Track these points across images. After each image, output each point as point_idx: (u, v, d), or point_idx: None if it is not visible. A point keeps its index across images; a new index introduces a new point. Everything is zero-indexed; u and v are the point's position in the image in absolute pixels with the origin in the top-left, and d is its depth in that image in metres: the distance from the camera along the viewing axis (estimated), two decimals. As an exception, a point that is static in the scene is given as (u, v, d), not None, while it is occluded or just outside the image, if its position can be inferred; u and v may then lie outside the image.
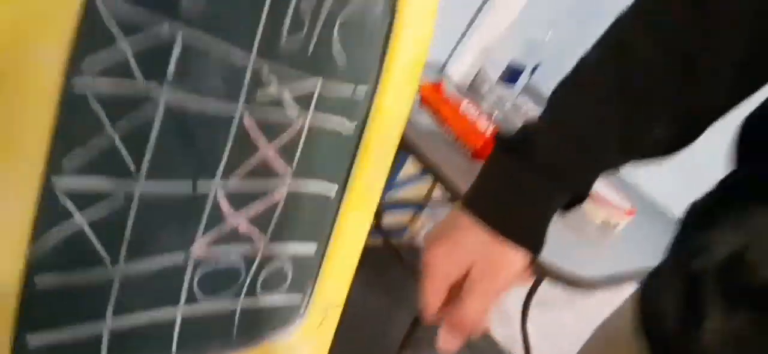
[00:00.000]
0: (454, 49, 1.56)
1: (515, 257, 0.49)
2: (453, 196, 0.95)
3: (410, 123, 1.09)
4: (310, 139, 0.57)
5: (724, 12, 0.46)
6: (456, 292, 0.50)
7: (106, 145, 0.42)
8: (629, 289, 0.62)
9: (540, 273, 0.96)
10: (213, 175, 0.51)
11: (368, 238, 0.69)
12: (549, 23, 1.32)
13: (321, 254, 0.65)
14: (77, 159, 0.41)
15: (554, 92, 0.53)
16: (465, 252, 0.49)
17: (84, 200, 0.42)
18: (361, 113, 0.60)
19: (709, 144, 0.59)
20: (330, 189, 0.62)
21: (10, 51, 0.35)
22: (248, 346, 0.62)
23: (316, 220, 0.63)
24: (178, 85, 0.44)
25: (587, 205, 1.10)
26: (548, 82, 1.63)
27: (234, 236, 0.55)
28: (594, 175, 0.52)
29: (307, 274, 0.65)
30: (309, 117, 0.56)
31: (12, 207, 0.40)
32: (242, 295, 0.59)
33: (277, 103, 0.52)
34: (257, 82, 0.50)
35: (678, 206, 0.60)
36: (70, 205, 0.42)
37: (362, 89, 0.59)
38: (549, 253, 0.56)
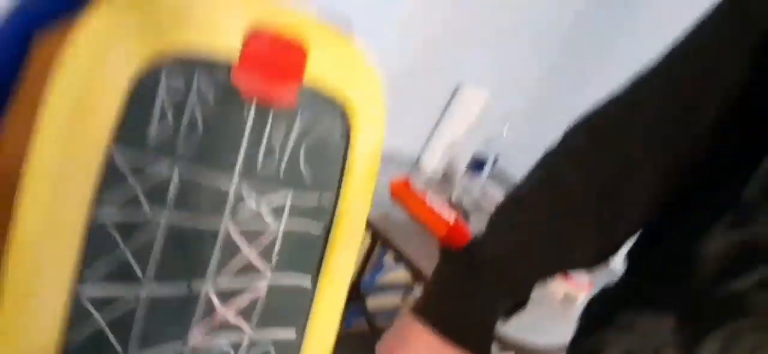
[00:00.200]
0: (426, 144, 1.71)
1: None
2: (419, 279, 1.05)
3: (383, 215, 1.22)
4: (285, 240, 0.69)
5: (636, 152, 0.55)
6: None
7: (119, 258, 0.54)
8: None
9: (506, 347, 1.05)
10: (204, 277, 0.62)
11: (355, 322, 0.79)
12: (505, 119, 1.48)
13: (300, 337, 0.75)
14: (98, 271, 0.53)
15: (494, 214, 0.63)
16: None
17: (102, 303, 0.54)
18: (327, 216, 0.72)
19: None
20: (305, 281, 0.73)
21: (53, 195, 0.47)
22: (239, 424, 0.71)
23: (295, 309, 0.74)
24: (175, 208, 0.56)
25: (551, 282, 1.21)
26: (509, 169, 1.77)
27: (224, 326, 0.66)
28: (530, 287, 0.61)
29: (288, 356, 0.75)
30: (283, 223, 0.68)
31: (47, 310, 0.51)
32: (232, 378, 0.69)
33: (256, 214, 0.65)
34: (239, 199, 0.62)
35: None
36: (91, 308, 0.53)
37: (327, 197, 0.71)
38: (516, 328, 0.65)
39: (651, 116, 0.55)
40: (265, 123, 0.62)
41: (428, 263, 1.12)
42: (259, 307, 0.69)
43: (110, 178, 0.50)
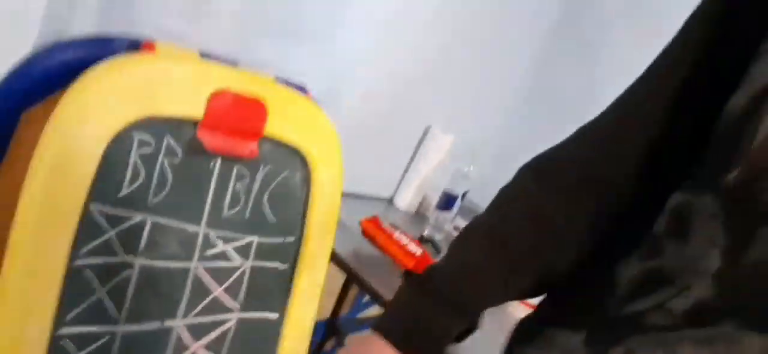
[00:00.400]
0: (400, 184, 1.78)
1: None
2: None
3: (353, 253, 1.28)
4: (251, 280, 0.75)
5: (573, 192, 0.62)
6: None
7: (96, 301, 0.60)
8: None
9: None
10: (176, 315, 0.68)
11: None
12: (472, 157, 1.56)
13: (268, 371, 0.81)
14: (76, 312, 0.59)
15: (452, 244, 0.70)
16: None
17: (81, 342, 0.60)
18: (291, 257, 0.79)
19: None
20: (272, 316, 0.79)
21: (34, 245, 0.53)
22: None
23: (262, 343, 0.80)
24: (148, 253, 0.63)
25: (513, 306, 1.27)
26: (478, 202, 1.85)
27: (195, 361, 0.72)
28: (478, 313, 0.67)
29: (257, 388, 0.80)
30: (249, 264, 0.74)
31: (30, 349, 0.57)
32: (204, 410, 0.75)
33: (223, 257, 0.71)
34: (207, 244, 0.69)
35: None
36: (71, 347, 0.59)
37: (290, 239, 0.78)
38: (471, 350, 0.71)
39: (585, 161, 0.63)
40: (230, 174, 0.69)
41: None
42: (228, 341, 0.75)
43: (87, 229, 0.56)
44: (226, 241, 0.71)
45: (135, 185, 0.59)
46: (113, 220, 0.59)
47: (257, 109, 0.68)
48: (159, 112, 0.59)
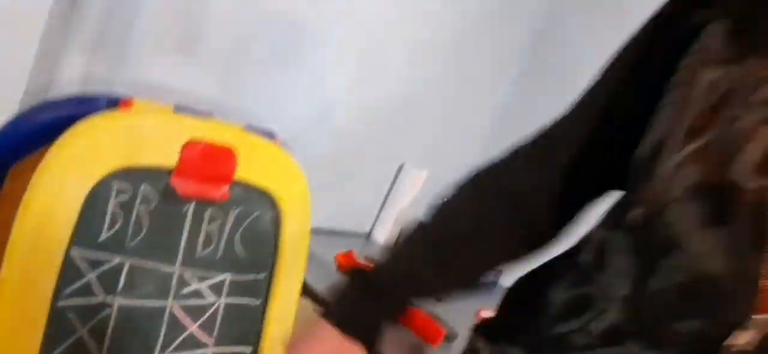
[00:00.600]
0: (376, 219, 1.84)
1: (358, 350, 0.69)
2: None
3: (331, 287, 1.33)
4: (225, 315, 0.80)
5: (499, 208, 0.68)
6: None
7: (78, 339, 0.65)
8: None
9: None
10: (153, 352, 0.73)
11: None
12: (444, 190, 1.62)
13: (244, 403, 0.85)
14: (60, 351, 0.63)
15: (394, 244, 0.76)
16: (322, 347, 0.70)
17: (63, 378, 0.64)
18: (263, 293, 0.84)
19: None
20: (246, 350, 0.84)
21: (21, 288, 0.58)
22: None
23: (237, 376, 0.84)
24: (126, 293, 0.68)
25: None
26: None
27: (172, 394, 0.76)
28: (404, 302, 0.74)
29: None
30: (223, 301, 0.79)
31: (16, 388, 0.61)
32: None
33: (198, 294, 0.76)
34: (182, 283, 0.74)
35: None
36: (54, 383, 0.63)
37: (262, 275, 0.83)
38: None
39: (513, 176, 0.70)
40: (203, 216, 0.74)
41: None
42: (204, 375, 0.79)
43: (69, 272, 0.61)
44: (200, 279, 0.76)
45: (113, 230, 0.65)
46: (93, 264, 0.64)
47: (227, 157, 0.74)
48: (136, 163, 0.65)
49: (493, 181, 0.71)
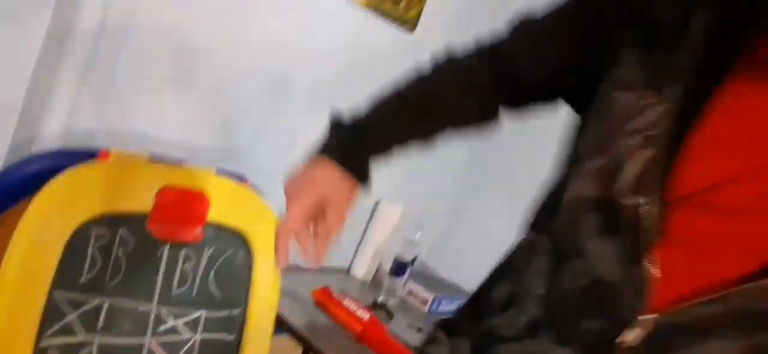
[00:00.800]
0: (355, 254, 1.89)
1: (351, 184, 0.77)
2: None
3: (308, 323, 1.37)
4: (201, 351, 0.84)
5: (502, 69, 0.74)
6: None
7: (60, 376, 0.69)
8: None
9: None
10: (133, 386, 0.77)
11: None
12: (419, 225, 1.69)
13: None
14: (42, 388, 0.68)
15: (375, 99, 0.84)
16: (321, 178, 0.76)
17: (46, 414, 0.68)
18: (237, 328, 0.88)
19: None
20: (222, 384, 0.88)
21: (7, 329, 0.63)
22: None
23: (215, 409, 0.88)
24: (105, 332, 0.72)
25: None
26: (429, 263, 1.96)
27: (151, 428, 0.80)
28: (389, 143, 0.81)
29: None
30: (198, 337, 0.84)
31: (1, 425, 0.65)
32: None
33: (174, 331, 0.81)
34: (158, 320, 0.78)
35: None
36: (37, 419, 0.67)
37: (236, 311, 0.88)
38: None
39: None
40: (178, 257, 0.80)
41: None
42: (182, 409, 0.83)
43: (51, 313, 0.66)
44: (176, 316, 0.80)
45: (93, 272, 0.70)
46: (74, 304, 0.69)
47: (199, 200, 0.80)
48: (113, 209, 0.71)
49: (462, 62, 0.78)
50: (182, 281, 0.81)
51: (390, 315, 1.65)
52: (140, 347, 0.77)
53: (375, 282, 1.92)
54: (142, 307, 0.76)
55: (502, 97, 0.75)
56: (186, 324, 0.82)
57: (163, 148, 0.93)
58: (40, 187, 0.64)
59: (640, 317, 0.50)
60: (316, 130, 1.50)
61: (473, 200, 1.99)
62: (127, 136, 0.93)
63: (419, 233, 1.68)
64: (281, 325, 1.24)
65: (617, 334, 0.52)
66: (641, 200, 0.50)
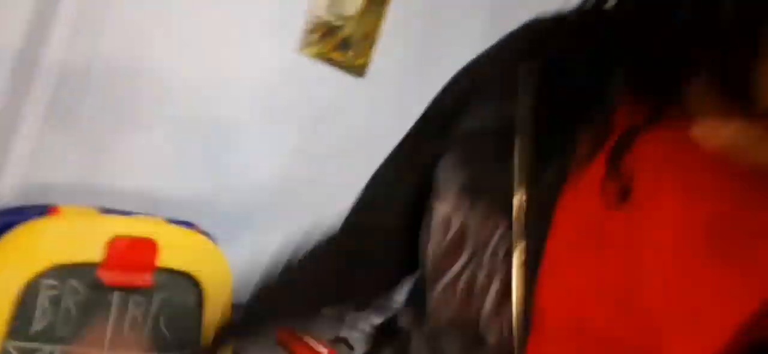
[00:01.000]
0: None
1: None
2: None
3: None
4: (154, 392, 0.88)
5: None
6: None
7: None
8: None
9: None
10: (86, 429, 0.80)
11: None
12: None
13: None
14: None
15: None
16: None
17: None
18: (189, 368, 0.93)
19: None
20: (176, 423, 0.92)
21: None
22: None
23: None
24: (57, 377, 0.76)
25: None
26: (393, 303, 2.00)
27: None
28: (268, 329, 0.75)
29: None
30: (151, 378, 0.88)
31: None
32: None
33: (127, 373, 0.85)
34: (110, 364, 0.82)
35: None
36: None
37: (187, 353, 0.92)
38: None
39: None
40: (128, 303, 0.84)
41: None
42: None
43: (4, 362, 0.70)
44: (128, 359, 0.85)
45: (44, 322, 0.74)
46: (26, 352, 0.73)
47: (149, 247, 0.85)
48: (64, 261, 0.75)
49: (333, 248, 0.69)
50: (133, 326, 0.85)
51: (351, 348, 1.69)
52: (93, 391, 0.81)
53: (338, 317, 1.96)
54: (95, 353, 0.80)
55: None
56: (138, 367, 0.86)
57: (118, 199, 0.97)
58: (-8, 243, 0.69)
59: None
60: (271, 176, 1.55)
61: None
62: (82, 189, 0.98)
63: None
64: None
65: None
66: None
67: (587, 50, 0.47)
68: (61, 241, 0.75)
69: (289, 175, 1.57)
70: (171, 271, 0.88)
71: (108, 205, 0.90)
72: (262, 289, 0.74)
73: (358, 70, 1.48)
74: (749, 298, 0.38)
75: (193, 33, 1.16)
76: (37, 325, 0.73)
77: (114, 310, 0.82)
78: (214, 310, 0.95)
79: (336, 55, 1.43)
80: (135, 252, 0.83)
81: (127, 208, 0.89)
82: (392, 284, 0.67)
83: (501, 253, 0.45)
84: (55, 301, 0.75)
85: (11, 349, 0.71)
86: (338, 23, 1.42)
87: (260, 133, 1.40)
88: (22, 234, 0.70)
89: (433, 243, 0.50)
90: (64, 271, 0.75)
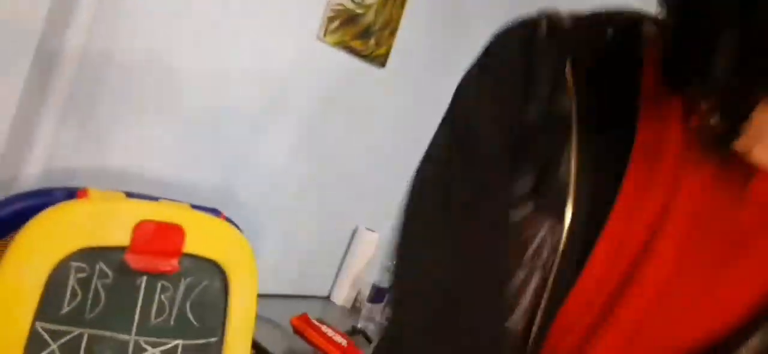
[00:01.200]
0: (335, 282, 1.93)
1: None
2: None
3: (287, 350, 1.40)
4: (180, 378, 0.88)
5: None
6: None
7: (42, 406, 0.72)
8: None
9: None
10: (113, 415, 0.80)
11: None
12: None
13: None
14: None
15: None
16: None
17: None
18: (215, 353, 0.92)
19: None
20: (201, 410, 0.91)
21: (-11, 363, 0.66)
22: None
23: None
24: (86, 361, 0.76)
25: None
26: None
27: None
28: None
29: None
30: (177, 364, 0.87)
31: None
32: None
33: (153, 359, 0.84)
34: (138, 349, 0.82)
35: None
36: None
37: (213, 339, 0.91)
38: None
39: None
40: (155, 288, 0.83)
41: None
42: None
43: (34, 344, 0.69)
44: (154, 346, 0.84)
45: (73, 304, 0.74)
46: (55, 335, 0.72)
47: (175, 233, 0.84)
48: (92, 244, 0.75)
49: None
50: (160, 311, 0.84)
51: (369, 340, 1.68)
52: (120, 376, 0.80)
53: (354, 308, 1.95)
54: (121, 337, 0.80)
55: None
56: (164, 352, 0.85)
57: (142, 184, 0.97)
58: (21, 225, 0.68)
59: None
60: (290, 165, 1.55)
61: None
62: (106, 174, 0.97)
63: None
64: (260, 353, 1.27)
65: None
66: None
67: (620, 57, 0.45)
68: (90, 224, 0.74)
69: (312, 167, 1.57)
70: (197, 257, 0.88)
71: (132, 190, 0.90)
72: None
73: (379, 59, 1.47)
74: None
75: (214, 21, 1.15)
76: (67, 308, 0.73)
77: (141, 295, 0.81)
78: (240, 297, 0.94)
79: (357, 44, 1.42)
80: (161, 237, 0.83)
81: (151, 193, 0.89)
82: None
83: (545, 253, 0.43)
84: (85, 284, 0.74)
85: (41, 330, 0.70)
86: (359, 11, 1.40)
87: (280, 122, 1.39)
88: (52, 216, 0.70)
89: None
90: (92, 254, 0.75)
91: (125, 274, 0.79)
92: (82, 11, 0.96)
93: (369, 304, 1.80)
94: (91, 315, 0.76)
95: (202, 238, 0.88)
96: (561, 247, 0.42)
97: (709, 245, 0.42)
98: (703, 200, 0.42)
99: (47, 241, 0.69)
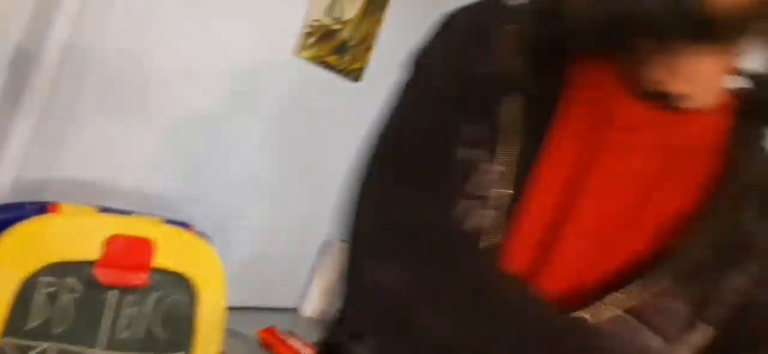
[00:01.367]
0: (304, 293, 1.94)
1: None
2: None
3: (255, 361, 1.41)
4: (146, 391, 0.88)
5: None
6: None
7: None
8: None
9: None
10: (77, 428, 0.80)
11: None
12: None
13: None
14: None
15: None
16: None
17: None
18: (182, 368, 0.93)
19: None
20: (166, 423, 0.92)
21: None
22: None
23: None
24: (51, 375, 0.76)
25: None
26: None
27: None
28: None
29: None
30: (143, 377, 0.88)
31: None
32: None
33: (120, 373, 0.85)
34: (104, 362, 0.82)
35: None
36: None
37: (180, 353, 0.92)
38: None
39: None
40: (124, 302, 0.84)
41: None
42: None
43: (0, 359, 0.70)
44: (122, 359, 0.85)
45: (41, 319, 0.74)
46: (22, 349, 0.72)
47: (145, 247, 0.85)
48: (62, 259, 0.75)
49: None
50: (128, 325, 0.85)
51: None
52: (86, 389, 0.81)
53: (324, 320, 1.96)
54: (89, 351, 0.80)
55: None
56: (131, 366, 0.86)
57: (113, 196, 0.97)
58: (-10, 239, 0.68)
59: None
60: (264, 178, 1.56)
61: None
62: (78, 186, 0.97)
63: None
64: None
65: None
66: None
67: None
68: (61, 239, 0.75)
69: (283, 178, 1.58)
70: (166, 271, 0.89)
71: (103, 203, 0.90)
72: None
73: (354, 74, 1.49)
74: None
75: (191, 34, 1.16)
76: (33, 322, 0.73)
77: (110, 309, 0.82)
78: (209, 311, 0.95)
79: (332, 59, 1.44)
80: (131, 251, 0.83)
81: (122, 206, 0.89)
82: None
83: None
84: (52, 299, 0.75)
85: (7, 345, 0.70)
86: (336, 27, 1.42)
87: (256, 135, 1.40)
88: (23, 231, 0.70)
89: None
90: (62, 269, 0.75)
91: (95, 288, 0.79)
92: (60, 20, 0.96)
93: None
94: (59, 329, 0.76)
95: (172, 252, 0.89)
96: (498, 183, 0.49)
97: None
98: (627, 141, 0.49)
99: (17, 256, 0.69)
